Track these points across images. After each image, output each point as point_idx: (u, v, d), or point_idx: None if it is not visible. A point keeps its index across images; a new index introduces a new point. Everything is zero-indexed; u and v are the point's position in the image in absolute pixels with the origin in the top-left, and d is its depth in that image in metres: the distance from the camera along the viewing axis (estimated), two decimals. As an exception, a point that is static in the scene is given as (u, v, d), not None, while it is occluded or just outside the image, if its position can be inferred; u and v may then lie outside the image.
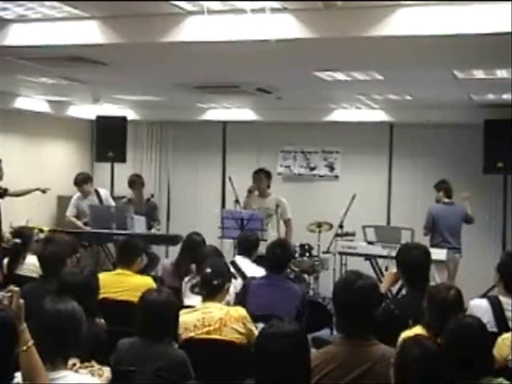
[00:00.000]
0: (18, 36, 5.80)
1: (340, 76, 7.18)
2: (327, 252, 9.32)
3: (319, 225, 9.61)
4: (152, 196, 10.03)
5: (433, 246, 8.66)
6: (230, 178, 9.66)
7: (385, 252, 8.21)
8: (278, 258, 5.72)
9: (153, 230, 9.18)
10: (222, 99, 10.18)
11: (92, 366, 3.59)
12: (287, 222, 9.18)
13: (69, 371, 3.04)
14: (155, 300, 3.90)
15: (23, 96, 10.37)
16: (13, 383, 2.62)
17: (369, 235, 8.75)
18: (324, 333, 6.67)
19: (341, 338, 3.37)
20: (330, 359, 3.26)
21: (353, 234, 9.42)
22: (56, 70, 7.40)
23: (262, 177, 9.28)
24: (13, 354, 2.61)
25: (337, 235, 9.32)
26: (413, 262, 4.53)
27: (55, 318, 3.10)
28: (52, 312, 3.12)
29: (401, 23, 4.84)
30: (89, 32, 5.58)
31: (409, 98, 8.99)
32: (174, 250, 8.70)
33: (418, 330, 3.84)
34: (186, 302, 5.48)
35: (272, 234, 8.73)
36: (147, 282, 5.55)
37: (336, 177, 11.43)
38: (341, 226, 9.39)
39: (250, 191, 9.20)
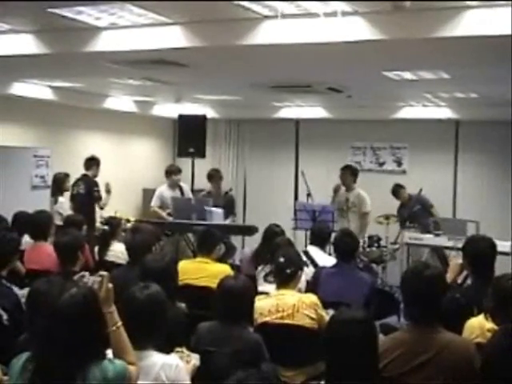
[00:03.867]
0: (109, 42, 5.92)
1: (408, 75, 7.06)
2: (395, 243, 9.21)
3: (387, 217, 9.52)
4: (231, 190, 10.07)
5: None
6: (302, 173, 9.63)
7: (450, 243, 8.05)
8: (347, 246, 5.66)
9: (228, 221, 9.21)
10: (295, 98, 10.16)
11: (182, 352, 3.62)
12: (364, 216, 9.10)
13: (154, 351, 3.08)
14: (233, 286, 3.92)
15: (112, 96, 10.60)
16: (106, 359, 2.68)
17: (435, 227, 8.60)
18: (391, 320, 6.58)
19: (408, 325, 3.32)
20: (397, 345, 3.22)
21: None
22: (142, 73, 7.53)
23: (348, 173, 9.24)
24: (97, 329, 2.66)
25: (404, 227, 9.21)
26: (479, 253, 4.43)
27: (144, 304, 3.14)
28: (141, 298, 3.15)
29: (468, 24, 4.72)
30: (172, 37, 5.64)
31: (474, 95, 8.77)
32: (250, 240, 8.76)
33: (482, 318, 3.76)
34: (260, 289, 5.49)
35: (354, 225, 8.69)
36: (225, 269, 5.57)
37: (404, 171, 11.27)
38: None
39: (335, 191, 9.16)
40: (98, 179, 9.12)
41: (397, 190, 9.73)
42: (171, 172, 9.65)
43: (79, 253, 5.15)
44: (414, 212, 9.31)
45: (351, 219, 8.93)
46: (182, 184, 9.79)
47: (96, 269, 4.18)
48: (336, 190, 9.16)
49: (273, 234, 6.46)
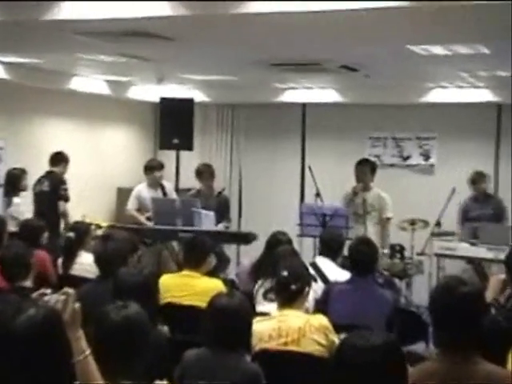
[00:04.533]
0: (76, 9, 5.90)
1: (438, 50, 7.06)
2: (422, 254, 9.21)
3: (413, 222, 9.50)
4: (224, 189, 10.06)
5: None
6: (310, 168, 9.62)
7: (491, 254, 8.05)
8: (364, 257, 5.66)
9: (220, 227, 9.18)
10: (301, 78, 10.15)
11: None
12: (386, 221, 9.13)
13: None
14: (226, 305, 3.92)
15: (79, 76, 10.57)
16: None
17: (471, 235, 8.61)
18: (418, 347, 6.59)
19: (438, 354, 3.31)
20: (426, 377, 3.21)
21: (452, 234, 9.29)
22: (116, 47, 7.52)
23: (367, 169, 9.23)
24: (61, 358, 2.65)
25: (433, 234, 9.21)
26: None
27: (120, 328, 3.11)
28: (117, 321, 3.13)
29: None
30: (153, 3, 5.63)
31: (521, 74, 8.77)
32: (248, 250, 8.75)
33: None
34: (259, 308, 5.51)
35: (373, 232, 8.70)
36: (217, 285, 5.59)
37: (432, 166, 11.27)
38: (438, 224, 9.29)
39: (355, 192, 9.12)
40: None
41: (479, 179, 9.50)
42: (151, 168, 9.66)
43: (30, 264, 5.17)
44: (483, 214, 9.26)
45: (369, 225, 8.93)
46: (164, 182, 9.79)
47: (59, 285, 4.17)
48: (356, 192, 9.10)
49: (278, 243, 6.46)
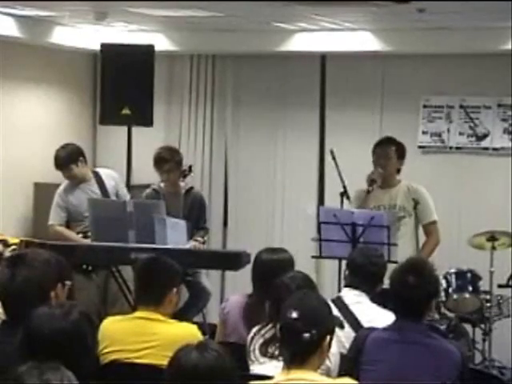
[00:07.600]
0: None
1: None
2: (507, 285, 9.22)
3: (492, 237, 9.52)
4: (190, 169, 9.91)
5: None
6: (332, 153, 9.62)
7: None
8: (413, 292, 5.64)
9: (193, 244, 9.24)
10: (319, 15, 10.16)
11: None
12: (429, 228, 9.15)
13: None
14: (196, 364, 3.86)
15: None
16: None
17: None
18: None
19: None
20: None
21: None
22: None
23: (392, 154, 9.20)
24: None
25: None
26: None
27: None
28: None
29: None
30: None
31: None
32: (238, 278, 8.75)
33: None
34: (255, 369, 5.54)
35: (405, 250, 8.68)
36: (189, 332, 5.61)
37: (524, 151, 11.29)
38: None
39: (372, 180, 9.03)
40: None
41: None
42: (66, 161, 9.28)
43: None
44: None
45: (402, 236, 8.89)
46: (100, 171, 9.64)
47: None
48: (373, 181, 8.98)
49: (279, 267, 6.43)
